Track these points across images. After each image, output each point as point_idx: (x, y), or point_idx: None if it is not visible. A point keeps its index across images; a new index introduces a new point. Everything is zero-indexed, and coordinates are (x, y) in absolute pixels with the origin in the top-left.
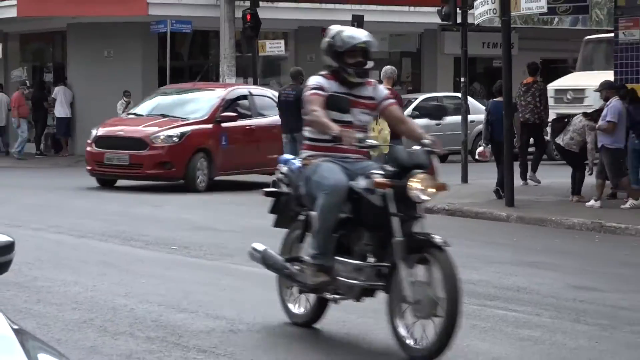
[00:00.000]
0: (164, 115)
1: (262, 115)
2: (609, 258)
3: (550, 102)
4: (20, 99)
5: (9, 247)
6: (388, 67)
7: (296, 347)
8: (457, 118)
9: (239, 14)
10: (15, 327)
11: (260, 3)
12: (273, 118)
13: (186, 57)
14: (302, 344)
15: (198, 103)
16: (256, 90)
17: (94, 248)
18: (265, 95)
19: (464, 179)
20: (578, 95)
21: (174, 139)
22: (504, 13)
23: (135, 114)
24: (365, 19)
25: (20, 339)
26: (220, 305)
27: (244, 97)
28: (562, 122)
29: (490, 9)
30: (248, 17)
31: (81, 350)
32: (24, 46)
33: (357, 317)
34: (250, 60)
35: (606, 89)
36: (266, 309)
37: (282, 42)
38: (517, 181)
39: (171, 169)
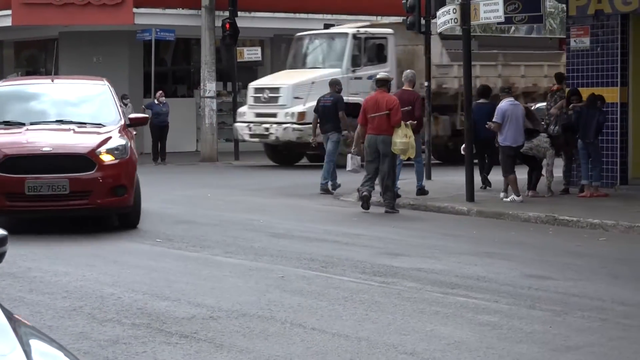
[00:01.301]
0: (61, 122)
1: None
2: (561, 249)
3: (250, 101)
4: None
5: (2, 240)
6: (409, 71)
7: (272, 332)
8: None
9: (218, 23)
10: (8, 314)
11: (239, 13)
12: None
13: (170, 63)
14: (277, 329)
15: (91, 102)
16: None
17: (84, 241)
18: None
19: (429, 177)
20: (274, 94)
21: (120, 153)
22: (464, 22)
23: (4, 122)
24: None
25: (13, 325)
26: (201, 294)
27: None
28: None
29: (451, 18)
30: (227, 25)
31: (71, 336)
32: (18, 53)
33: (328, 304)
34: (229, 65)
35: (502, 93)
36: (244, 297)
37: (259, 49)
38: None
39: (124, 196)
